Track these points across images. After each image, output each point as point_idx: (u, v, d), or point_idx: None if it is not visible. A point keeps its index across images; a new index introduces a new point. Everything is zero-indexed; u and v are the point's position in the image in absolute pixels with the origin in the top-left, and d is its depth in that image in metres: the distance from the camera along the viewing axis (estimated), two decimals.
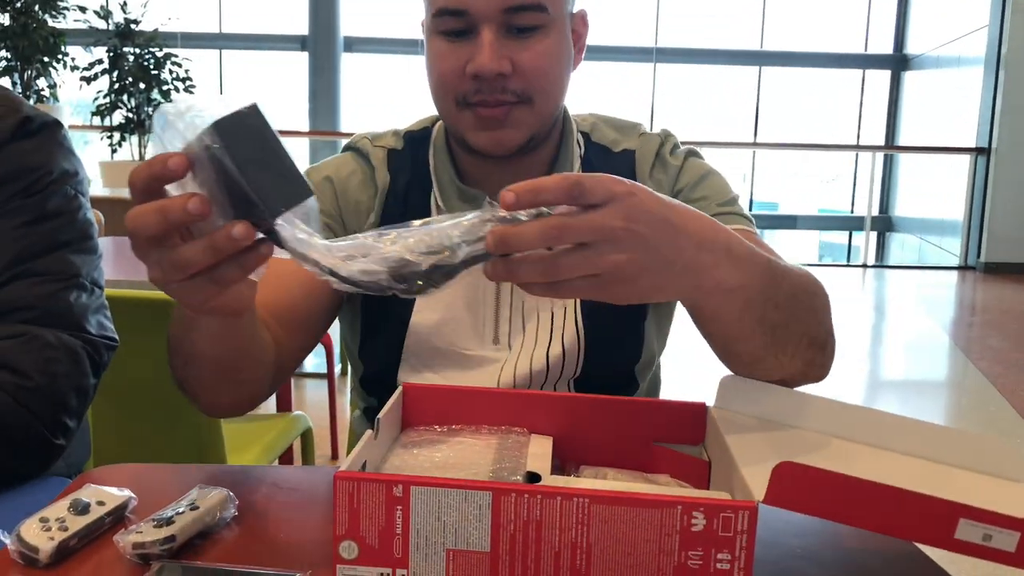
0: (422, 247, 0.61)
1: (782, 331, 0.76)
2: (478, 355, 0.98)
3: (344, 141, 1.10)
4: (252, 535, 0.74)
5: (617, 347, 1.00)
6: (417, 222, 0.62)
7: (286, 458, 2.06)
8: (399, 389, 0.81)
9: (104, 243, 2.83)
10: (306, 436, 2.06)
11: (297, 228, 0.60)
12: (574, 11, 0.96)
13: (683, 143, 1.05)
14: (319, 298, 0.96)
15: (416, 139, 1.04)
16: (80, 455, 1.17)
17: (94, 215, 1.05)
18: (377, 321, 1.02)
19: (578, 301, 0.98)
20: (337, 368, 3.31)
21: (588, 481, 0.67)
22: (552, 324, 0.97)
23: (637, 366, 1.01)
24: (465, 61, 0.89)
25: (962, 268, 7.65)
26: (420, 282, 0.61)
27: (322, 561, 0.69)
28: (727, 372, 0.81)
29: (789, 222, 12.35)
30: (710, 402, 0.80)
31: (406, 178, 1.01)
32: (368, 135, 1.06)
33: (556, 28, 0.91)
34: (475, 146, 0.94)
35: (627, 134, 1.04)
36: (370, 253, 0.61)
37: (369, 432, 0.70)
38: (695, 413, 0.79)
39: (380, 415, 0.74)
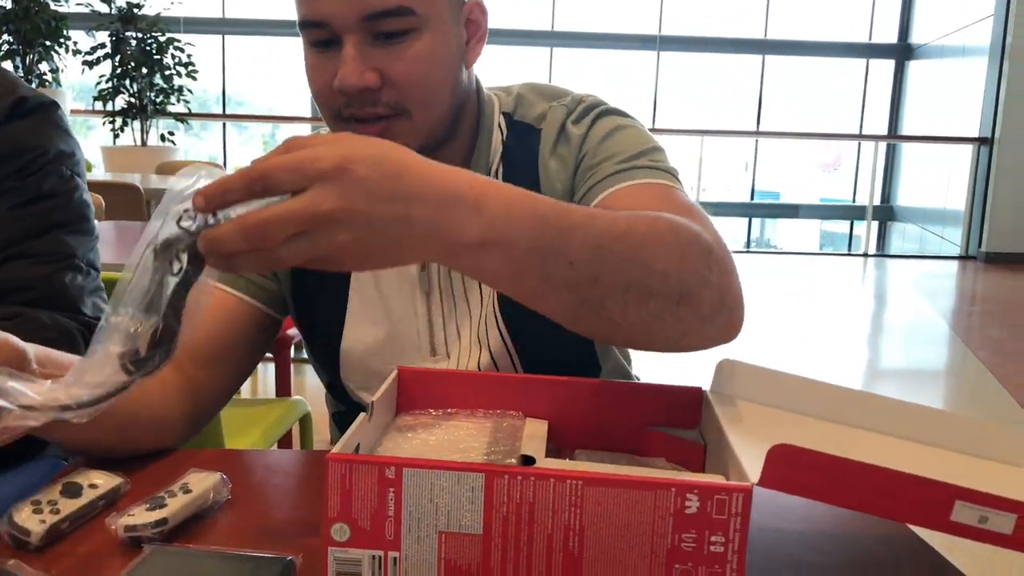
0: (127, 327, 0.58)
1: (588, 287, 0.65)
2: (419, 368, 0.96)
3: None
4: (245, 518, 0.74)
5: (552, 340, 0.87)
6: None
7: (285, 443, 2.06)
8: (394, 372, 0.81)
9: (104, 227, 2.83)
10: (305, 421, 2.06)
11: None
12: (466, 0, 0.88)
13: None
14: (243, 330, 0.94)
15: None
16: None
17: (91, 197, 1.04)
18: (313, 346, 1.03)
19: (496, 303, 0.94)
20: None
21: (582, 464, 0.67)
22: (478, 329, 0.95)
23: (594, 344, 0.99)
24: (332, 74, 0.82)
25: (963, 258, 7.63)
26: (154, 357, 0.59)
27: (315, 544, 0.69)
28: (726, 355, 0.80)
29: (791, 211, 12.34)
30: (707, 385, 0.79)
31: None
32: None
33: (432, 28, 0.83)
34: None
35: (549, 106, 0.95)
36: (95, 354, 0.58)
37: (363, 415, 0.70)
38: (691, 397, 0.79)
39: (374, 398, 0.73)
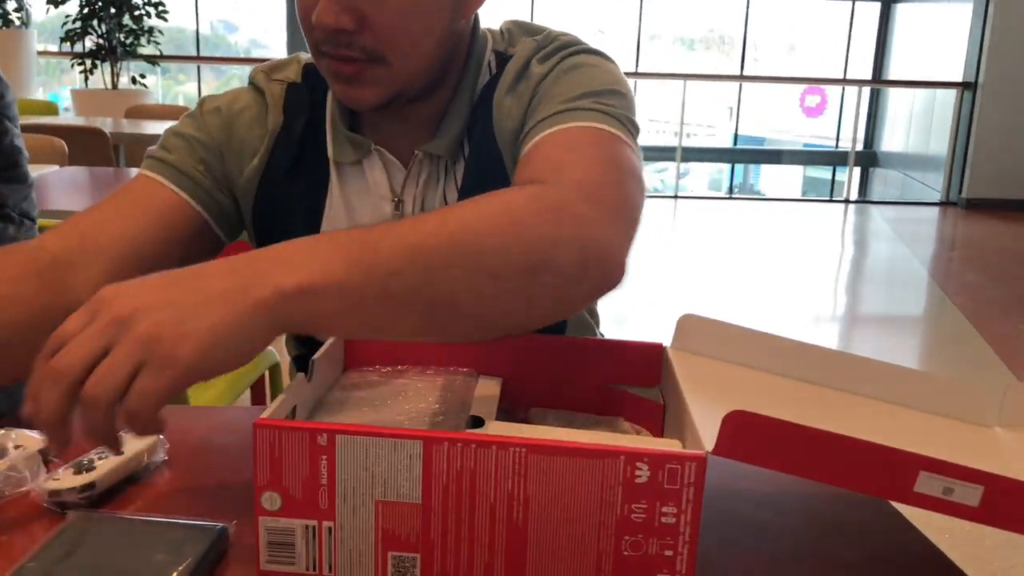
0: None
1: (426, 291, 0.60)
2: None
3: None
4: (180, 482, 0.71)
5: None
6: None
7: (257, 395, 2.03)
8: None
9: (67, 172, 2.74)
10: (273, 372, 2.03)
11: None
12: None
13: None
14: (182, 237, 0.85)
15: (315, 72, 0.88)
16: (20, 394, 1.13)
17: (54, 142, 0.98)
18: None
19: None
20: None
21: (529, 428, 0.63)
22: None
23: None
24: (313, 7, 0.77)
25: (944, 204, 7.63)
26: None
27: (251, 510, 0.65)
28: (689, 310, 0.76)
29: (774, 157, 12.27)
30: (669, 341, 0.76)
31: (303, 119, 0.90)
32: (268, 66, 0.93)
33: None
34: (337, 96, 0.87)
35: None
36: None
37: (300, 375, 0.66)
38: (652, 354, 0.75)
39: (316, 356, 0.69)
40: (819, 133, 12.01)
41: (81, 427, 0.54)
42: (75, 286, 0.77)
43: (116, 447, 0.57)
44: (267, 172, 0.90)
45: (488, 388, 0.74)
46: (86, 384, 0.53)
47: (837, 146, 11.34)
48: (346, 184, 0.91)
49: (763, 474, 0.76)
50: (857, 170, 9.34)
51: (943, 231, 6.74)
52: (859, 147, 8.92)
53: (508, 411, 0.76)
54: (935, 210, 7.46)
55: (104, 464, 0.67)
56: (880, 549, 0.66)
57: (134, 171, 2.98)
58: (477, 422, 0.66)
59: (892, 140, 10.23)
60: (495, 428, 0.64)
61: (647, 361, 0.75)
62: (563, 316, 0.69)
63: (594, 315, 1.04)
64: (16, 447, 0.70)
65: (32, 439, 0.72)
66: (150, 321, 0.54)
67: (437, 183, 0.90)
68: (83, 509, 0.63)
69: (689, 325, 0.74)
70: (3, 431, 0.72)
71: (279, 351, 2.03)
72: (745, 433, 0.53)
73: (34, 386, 0.55)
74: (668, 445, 0.62)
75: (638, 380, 0.75)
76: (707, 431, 0.56)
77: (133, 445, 0.71)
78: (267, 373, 2.02)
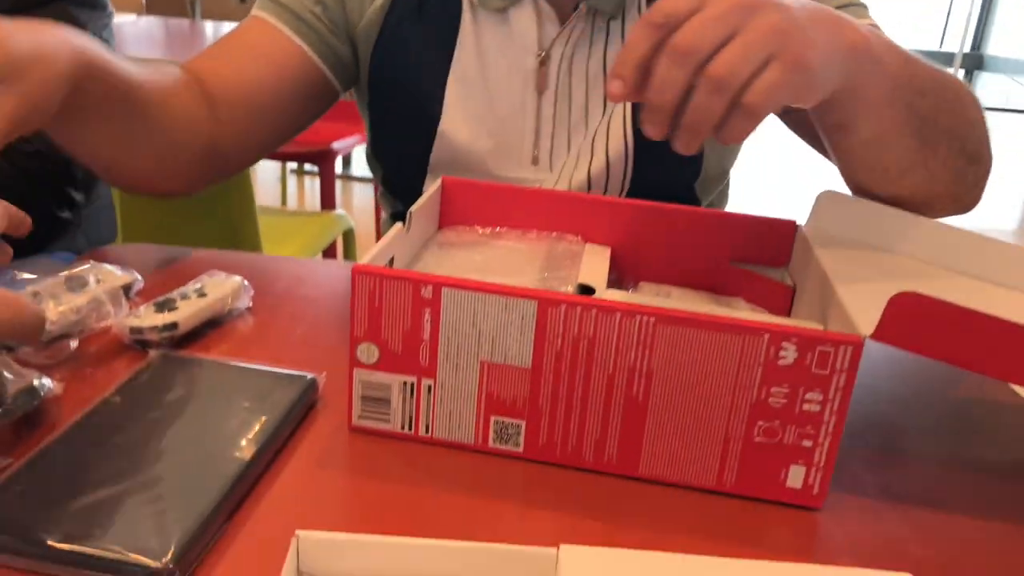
0: None
1: (931, 127, 0.63)
2: (514, 177, 0.84)
3: None
4: (266, 330, 0.67)
5: (671, 161, 0.79)
6: None
7: (328, 259, 2.01)
8: (438, 182, 0.71)
9: (143, 23, 2.69)
10: (348, 236, 2.00)
11: None
12: None
13: None
14: (296, 86, 0.80)
15: None
16: (104, 236, 1.10)
17: None
18: (397, 121, 0.87)
19: (627, 108, 0.81)
20: None
21: (651, 299, 0.57)
22: (595, 138, 0.82)
23: (697, 183, 0.88)
24: None
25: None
26: None
27: (341, 363, 0.61)
28: (819, 190, 0.68)
29: None
30: (802, 220, 0.68)
31: None
32: None
33: None
34: None
35: None
36: None
37: (399, 225, 0.60)
38: (782, 231, 0.68)
39: (413, 208, 0.63)
40: (923, 36, 11.32)
41: (689, 117, 0.51)
42: None
43: (698, 143, 0.52)
44: (390, 15, 0.82)
45: (596, 257, 0.68)
46: (714, 65, 0.49)
47: (941, 47, 10.69)
48: (483, 33, 0.81)
49: (893, 373, 0.70)
50: (961, 72, 8.80)
51: None
52: (966, 48, 8.36)
53: (615, 284, 0.70)
54: None
55: (186, 305, 0.64)
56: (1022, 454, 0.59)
57: (209, 24, 2.93)
58: (586, 291, 0.60)
59: (1002, 43, 9.59)
60: (607, 297, 0.58)
61: (776, 239, 0.68)
62: (947, 206, 0.70)
63: (725, 193, 0.96)
64: (98, 281, 0.67)
65: (114, 275, 0.68)
66: (781, 16, 0.50)
67: (590, 43, 0.81)
68: (164, 349, 0.60)
69: (828, 202, 0.66)
70: (88, 265, 0.68)
71: (357, 223, 2.00)
72: (911, 317, 0.46)
73: (657, 67, 0.51)
74: (809, 326, 0.56)
75: (764, 259, 0.68)
76: (861, 315, 0.49)
77: (216, 288, 0.67)
78: (340, 239, 2.00)
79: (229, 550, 0.43)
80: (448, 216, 0.72)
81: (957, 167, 0.67)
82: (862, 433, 0.60)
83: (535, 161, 0.84)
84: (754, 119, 0.50)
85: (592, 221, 0.71)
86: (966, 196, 0.71)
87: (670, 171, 0.84)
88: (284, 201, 3.25)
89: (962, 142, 0.67)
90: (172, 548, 0.40)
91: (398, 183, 0.92)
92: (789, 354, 0.47)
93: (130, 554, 0.39)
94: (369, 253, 0.53)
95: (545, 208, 0.71)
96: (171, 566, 0.39)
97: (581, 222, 0.71)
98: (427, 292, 0.50)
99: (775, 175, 4.56)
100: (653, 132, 0.53)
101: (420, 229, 0.66)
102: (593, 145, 0.82)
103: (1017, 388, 0.69)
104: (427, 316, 0.50)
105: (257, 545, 0.43)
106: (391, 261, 0.59)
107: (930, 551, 0.48)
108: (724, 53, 0.49)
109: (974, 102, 0.70)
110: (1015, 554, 0.49)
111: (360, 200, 3.57)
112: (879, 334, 0.46)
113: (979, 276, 0.63)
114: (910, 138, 0.63)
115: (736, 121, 0.50)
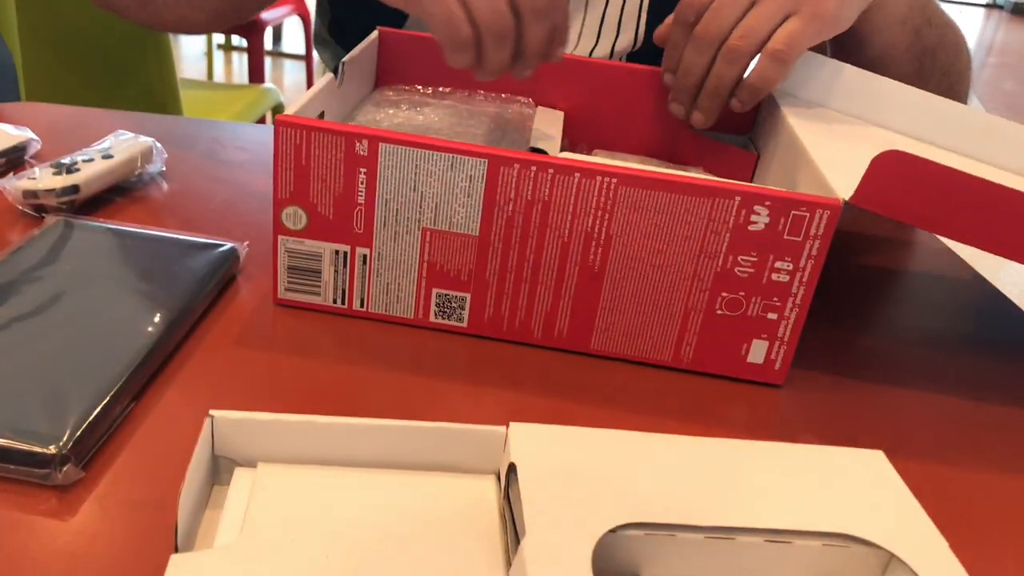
0: None
1: (930, 58, 0.66)
2: None
3: None
4: (180, 197, 0.60)
5: None
6: None
7: None
8: (374, 33, 0.64)
9: None
10: (277, 112, 1.89)
11: None
12: None
13: None
14: None
15: None
16: (1, 97, 1.01)
17: None
18: None
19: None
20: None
21: (602, 161, 0.52)
22: (603, 19, 0.76)
23: None
24: None
25: (989, 6, 7.17)
26: None
27: (266, 234, 0.56)
28: None
29: None
30: None
31: None
32: None
33: None
34: None
35: None
36: None
37: (328, 76, 0.54)
38: None
39: (346, 58, 0.57)
40: None
41: (709, 83, 0.55)
42: None
43: (716, 110, 0.57)
44: None
45: (548, 120, 0.63)
46: (730, 39, 0.54)
47: None
48: None
49: (852, 248, 0.67)
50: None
51: (984, 36, 6.36)
52: None
53: (567, 151, 0.64)
54: (980, 12, 7.02)
55: (89, 167, 0.57)
56: (979, 330, 0.57)
57: None
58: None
59: None
60: None
61: None
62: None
63: None
64: None
65: (5, 134, 0.61)
66: None
67: None
68: (63, 214, 0.53)
69: (802, 64, 0.61)
70: None
71: (286, 102, 1.89)
72: (896, 179, 0.42)
73: (683, 55, 0.56)
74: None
75: (726, 126, 0.63)
76: (838, 179, 0.45)
77: (124, 150, 0.60)
78: (269, 115, 1.89)
79: (135, 435, 0.38)
80: (386, 74, 0.66)
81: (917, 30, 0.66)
82: (817, 308, 0.57)
83: None
84: (782, 65, 0.53)
85: (544, 82, 0.65)
86: (926, 56, 0.69)
87: None
88: (210, 77, 3.08)
89: (951, 83, 0.68)
90: (67, 432, 0.35)
91: (351, 24, 0.82)
92: (761, 219, 0.43)
93: (17, 440, 0.34)
94: (295, 104, 0.47)
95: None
96: (65, 452, 0.34)
97: (532, 83, 0.65)
98: (362, 148, 0.44)
99: None
100: (676, 110, 0.58)
101: (355, 86, 0.60)
102: (600, 28, 0.75)
103: (971, 263, 0.67)
104: (362, 176, 0.44)
105: (166, 428, 0.38)
106: (321, 116, 0.52)
107: (888, 427, 0.46)
108: (739, 27, 0.53)
109: (968, 54, 0.72)
110: (965, 426, 0.47)
111: (291, 78, 3.40)
112: (859, 197, 0.42)
113: (959, 150, 0.60)
114: (909, 64, 0.65)
115: (766, 65, 0.54)
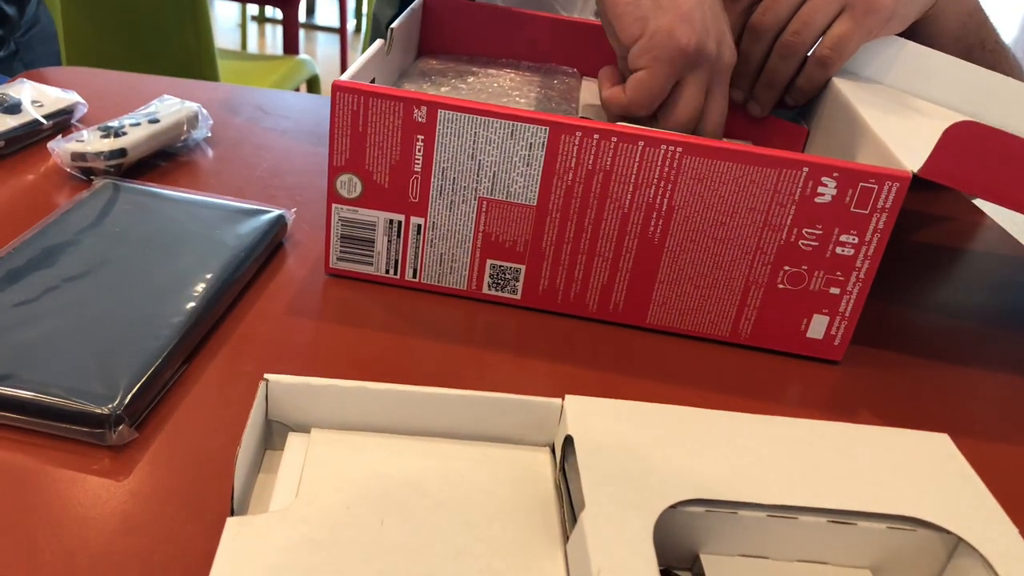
0: None
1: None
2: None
3: None
4: (226, 162, 0.59)
5: None
6: None
7: None
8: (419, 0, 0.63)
9: None
10: (312, 85, 1.89)
11: None
12: None
13: None
14: None
15: None
16: (44, 64, 1.01)
17: None
18: None
19: None
20: (351, 24, 3.05)
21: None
22: None
23: None
24: None
25: None
26: None
27: (313, 198, 0.55)
28: None
29: None
30: None
31: None
32: None
33: None
34: None
35: None
36: None
37: (379, 42, 0.53)
38: None
39: (394, 24, 0.56)
40: None
41: (764, 77, 0.56)
42: None
43: (772, 102, 0.57)
44: None
45: (594, 91, 0.61)
46: (784, 34, 0.54)
47: None
48: None
49: (908, 225, 0.65)
50: None
51: None
52: None
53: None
54: None
55: (136, 131, 0.56)
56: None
57: None
58: None
59: None
60: None
61: None
62: None
63: None
64: (36, 103, 0.59)
65: (54, 97, 0.60)
66: None
67: None
68: (111, 178, 0.53)
69: None
70: (21, 82, 0.60)
71: (321, 75, 1.88)
72: (969, 150, 0.40)
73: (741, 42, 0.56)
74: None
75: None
76: (903, 151, 0.43)
77: (170, 115, 0.59)
78: (304, 87, 1.89)
79: (187, 397, 0.37)
80: (429, 42, 0.65)
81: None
82: (878, 284, 0.56)
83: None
84: (827, 69, 0.54)
85: (589, 52, 0.64)
86: None
87: None
88: (244, 48, 3.08)
89: None
90: (120, 392, 0.34)
91: None
92: (828, 191, 0.42)
93: (72, 399, 0.34)
94: (349, 69, 0.46)
95: (538, 36, 0.64)
96: (119, 413, 0.34)
97: (577, 53, 0.64)
98: (420, 114, 0.43)
99: None
100: (735, 95, 0.57)
101: (399, 54, 0.59)
102: None
103: None
104: (419, 144, 0.44)
105: (218, 392, 0.38)
106: (372, 82, 0.52)
107: (947, 407, 0.45)
108: (794, 21, 0.53)
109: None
110: None
111: (324, 51, 3.39)
112: (929, 169, 0.41)
113: (1018, 127, 0.58)
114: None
115: (812, 70, 0.54)
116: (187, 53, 1.33)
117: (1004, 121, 0.58)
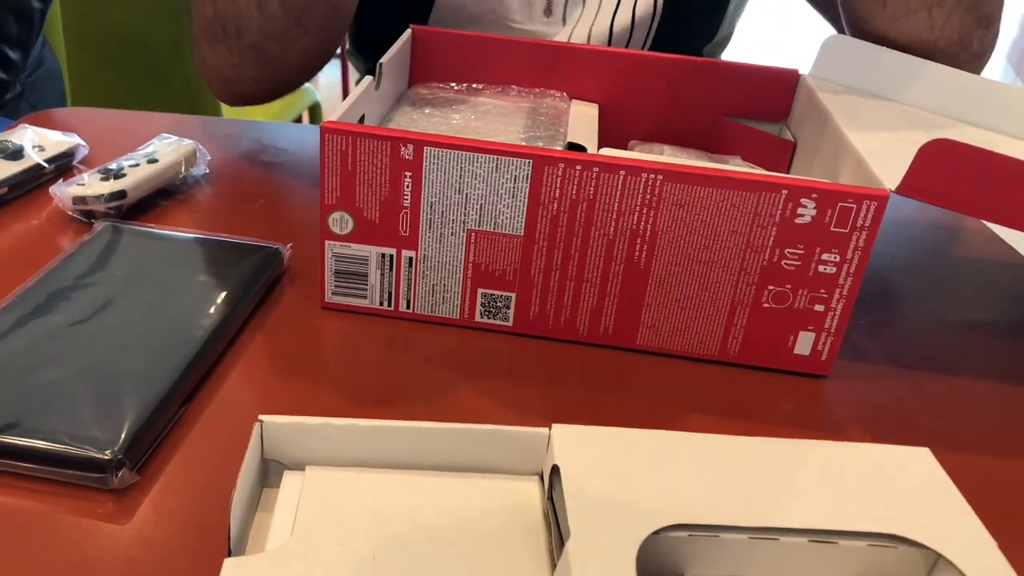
0: None
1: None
2: (525, 29, 0.78)
3: None
4: (224, 199, 0.61)
5: (696, 22, 0.81)
6: None
7: None
8: (407, 31, 0.64)
9: None
10: (314, 112, 1.91)
11: None
12: None
13: None
14: None
15: None
16: (50, 103, 1.03)
17: None
18: None
19: None
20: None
21: (643, 156, 0.52)
22: None
23: (708, 47, 0.83)
24: None
25: None
26: None
27: (310, 232, 0.56)
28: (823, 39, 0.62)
29: None
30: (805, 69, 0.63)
31: None
32: None
33: None
34: None
35: None
36: None
37: (368, 79, 0.54)
38: (781, 81, 0.62)
39: (383, 59, 0.57)
40: None
41: None
42: None
43: None
44: None
45: (584, 114, 0.62)
46: None
47: None
48: None
49: (894, 235, 0.66)
50: None
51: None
52: None
53: (602, 144, 0.64)
54: None
55: (135, 172, 0.57)
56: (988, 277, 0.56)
57: None
58: (577, 150, 0.54)
59: None
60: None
61: (775, 91, 0.62)
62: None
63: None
64: (37, 148, 0.60)
65: (55, 140, 0.62)
66: None
67: None
68: (111, 220, 0.54)
69: (836, 48, 0.60)
70: (23, 128, 0.62)
71: (322, 99, 1.90)
72: (945, 167, 0.41)
73: None
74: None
75: (760, 113, 0.63)
76: (882, 168, 0.44)
77: (168, 154, 0.60)
78: (306, 114, 1.91)
79: (187, 438, 0.38)
80: (419, 71, 0.66)
81: (964, 24, 0.61)
82: (863, 298, 0.56)
83: (548, 12, 0.78)
84: None
85: (577, 75, 0.65)
86: (967, 64, 0.63)
87: (692, 33, 0.81)
88: None
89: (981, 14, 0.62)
90: (121, 437, 0.35)
91: (383, 30, 0.83)
92: (807, 212, 0.42)
93: (74, 445, 0.35)
94: (337, 110, 0.47)
95: (526, 61, 0.65)
96: (120, 457, 0.35)
97: (565, 76, 0.65)
98: (407, 152, 0.44)
99: (771, 37, 4.41)
100: None
101: (390, 85, 0.60)
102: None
103: (1021, 250, 0.66)
104: (407, 180, 0.45)
105: (217, 432, 0.39)
106: (361, 120, 0.53)
107: (939, 420, 0.45)
108: None
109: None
110: (1019, 417, 0.46)
111: (327, 77, 3.41)
112: (906, 187, 0.42)
113: (996, 128, 0.59)
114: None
115: None
116: (189, 84, 1.35)
117: (994, 125, 0.58)
